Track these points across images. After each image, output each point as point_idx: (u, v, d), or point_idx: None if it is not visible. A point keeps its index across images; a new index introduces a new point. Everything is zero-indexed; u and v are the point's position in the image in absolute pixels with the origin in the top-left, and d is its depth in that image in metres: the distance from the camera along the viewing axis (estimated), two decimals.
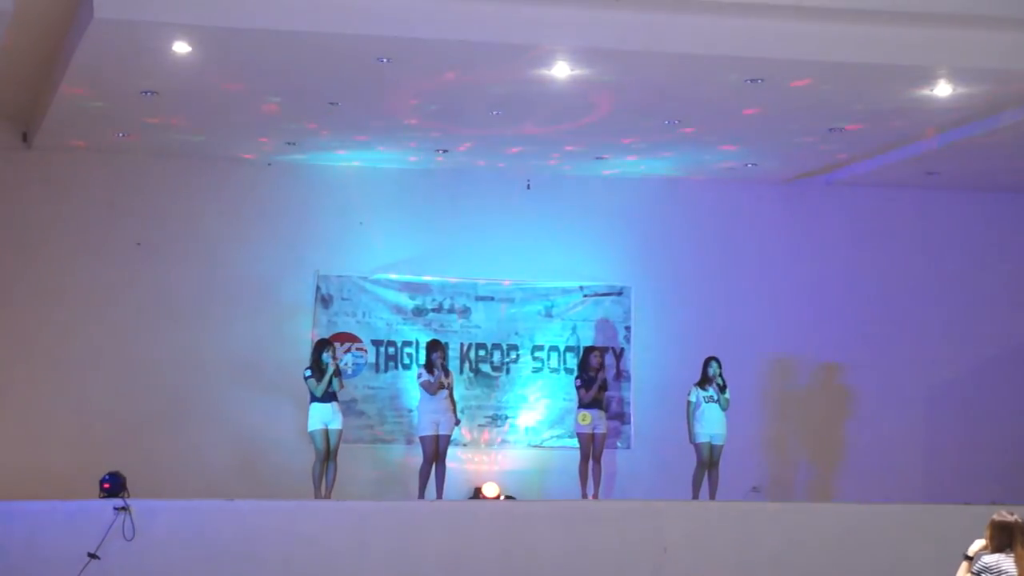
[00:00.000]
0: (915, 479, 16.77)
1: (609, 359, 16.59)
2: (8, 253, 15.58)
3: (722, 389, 15.38)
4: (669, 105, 13.86)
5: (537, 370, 16.75)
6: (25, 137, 15.53)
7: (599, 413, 15.48)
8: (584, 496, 15.33)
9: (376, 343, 16.40)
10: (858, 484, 16.87)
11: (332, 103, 13.77)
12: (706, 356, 15.53)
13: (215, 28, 11.61)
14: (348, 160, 16.15)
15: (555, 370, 16.77)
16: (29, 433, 15.39)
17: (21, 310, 15.58)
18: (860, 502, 15.50)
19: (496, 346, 16.70)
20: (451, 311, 16.61)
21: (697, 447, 15.34)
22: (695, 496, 15.28)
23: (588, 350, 15.78)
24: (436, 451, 14.92)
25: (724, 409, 15.38)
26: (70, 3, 11.74)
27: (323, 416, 14.47)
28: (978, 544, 9.22)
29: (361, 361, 16.32)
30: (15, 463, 15.08)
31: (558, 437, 16.58)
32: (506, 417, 16.63)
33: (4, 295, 15.57)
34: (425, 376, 15.00)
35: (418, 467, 15.05)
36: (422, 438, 15.03)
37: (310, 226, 16.31)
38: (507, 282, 16.72)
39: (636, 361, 16.88)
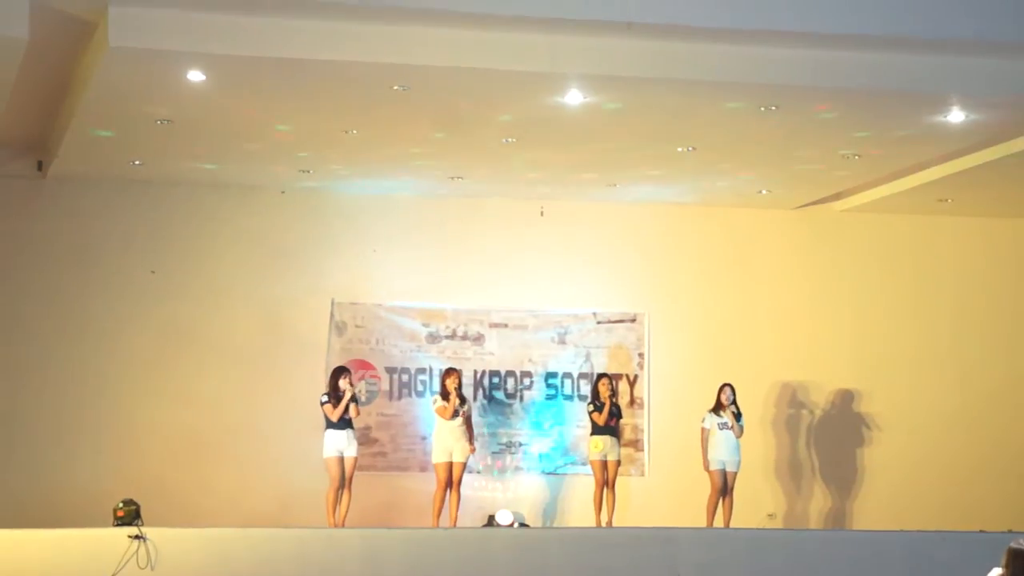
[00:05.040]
0: (931, 506, 16.71)
1: (623, 386, 16.60)
2: (23, 281, 15.62)
3: (736, 416, 15.38)
4: (682, 132, 13.88)
5: (551, 397, 16.74)
6: (40, 166, 15.57)
7: (612, 440, 15.46)
8: (598, 523, 15.30)
9: (390, 370, 16.40)
10: (874, 511, 16.82)
11: (347, 131, 13.81)
12: (720, 382, 15.54)
13: (229, 57, 11.62)
14: (362, 188, 16.18)
15: (569, 397, 16.76)
16: (44, 461, 15.39)
17: (36, 337, 15.61)
18: (876, 530, 15.45)
19: (510, 373, 16.69)
20: (465, 338, 16.61)
21: (711, 474, 15.32)
22: (710, 523, 15.25)
23: (598, 378, 15.78)
24: (450, 478, 14.92)
25: (738, 436, 15.37)
26: (85, 32, 11.79)
27: (338, 443, 14.47)
28: (995, 572, 9.18)
29: (375, 388, 16.32)
30: (32, 491, 15.09)
31: (572, 464, 16.56)
32: (520, 444, 16.61)
33: (19, 322, 15.60)
34: (440, 402, 15.01)
35: (432, 494, 15.05)
36: (436, 465, 15.03)
37: (324, 254, 16.33)
38: (521, 309, 16.71)
39: (650, 388, 16.86)
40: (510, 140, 14.08)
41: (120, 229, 15.91)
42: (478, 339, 16.64)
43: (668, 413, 16.67)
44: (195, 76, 12.05)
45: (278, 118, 13.45)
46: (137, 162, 15.07)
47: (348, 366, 15.29)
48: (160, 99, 12.78)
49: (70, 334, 15.67)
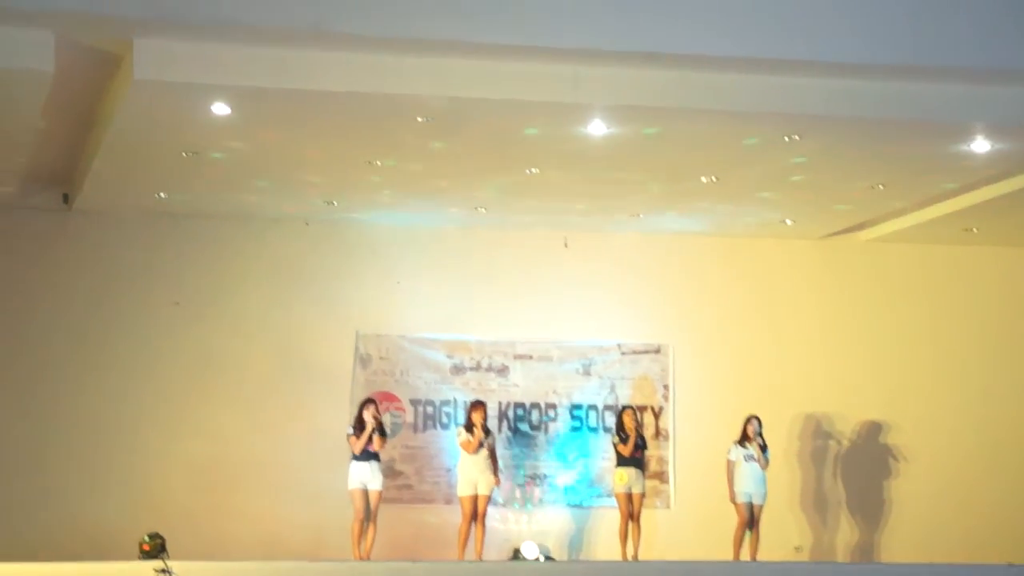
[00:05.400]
0: (959, 538, 16.59)
1: (648, 418, 16.55)
2: (49, 313, 15.66)
3: (763, 448, 15.32)
4: (706, 162, 13.86)
5: (576, 429, 16.69)
6: (66, 199, 15.63)
7: (637, 472, 15.42)
8: (624, 556, 15.24)
9: (415, 402, 16.38)
10: (901, 543, 16.71)
11: (370, 162, 13.84)
12: (746, 414, 15.48)
13: (254, 89, 11.67)
14: (386, 219, 16.19)
15: (594, 429, 16.71)
16: (70, 493, 15.38)
17: (61, 369, 15.63)
18: (904, 562, 15.35)
19: (534, 405, 16.65)
20: (489, 370, 16.58)
21: (738, 506, 15.25)
22: (736, 556, 15.17)
23: (623, 409, 15.75)
24: (475, 510, 14.88)
25: (764, 468, 15.31)
26: (110, 65, 11.84)
27: (362, 475, 14.46)
28: None
29: (399, 421, 16.30)
30: (58, 524, 15.08)
31: (597, 496, 16.50)
32: (545, 476, 16.56)
33: (44, 354, 15.62)
34: (464, 435, 14.98)
35: (457, 526, 15.01)
36: (461, 498, 15.00)
37: (349, 285, 16.34)
38: (545, 340, 16.68)
39: (675, 420, 16.81)
40: (533, 171, 14.09)
41: (145, 261, 15.94)
42: (502, 371, 16.62)
43: (693, 445, 16.60)
44: (220, 109, 12.10)
45: (302, 150, 13.47)
46: (162, 195, 15.12)
47: (374, 398, 15.26)
48: (185, 132, 12.83)
49: (95, 366, 15.69)
